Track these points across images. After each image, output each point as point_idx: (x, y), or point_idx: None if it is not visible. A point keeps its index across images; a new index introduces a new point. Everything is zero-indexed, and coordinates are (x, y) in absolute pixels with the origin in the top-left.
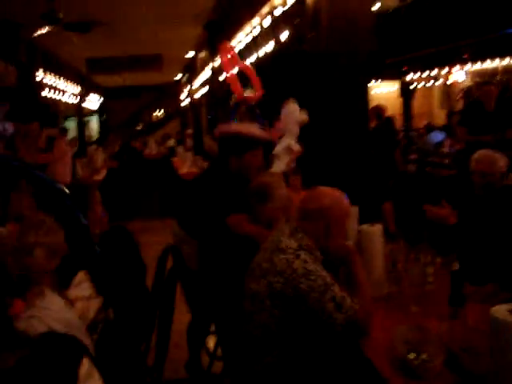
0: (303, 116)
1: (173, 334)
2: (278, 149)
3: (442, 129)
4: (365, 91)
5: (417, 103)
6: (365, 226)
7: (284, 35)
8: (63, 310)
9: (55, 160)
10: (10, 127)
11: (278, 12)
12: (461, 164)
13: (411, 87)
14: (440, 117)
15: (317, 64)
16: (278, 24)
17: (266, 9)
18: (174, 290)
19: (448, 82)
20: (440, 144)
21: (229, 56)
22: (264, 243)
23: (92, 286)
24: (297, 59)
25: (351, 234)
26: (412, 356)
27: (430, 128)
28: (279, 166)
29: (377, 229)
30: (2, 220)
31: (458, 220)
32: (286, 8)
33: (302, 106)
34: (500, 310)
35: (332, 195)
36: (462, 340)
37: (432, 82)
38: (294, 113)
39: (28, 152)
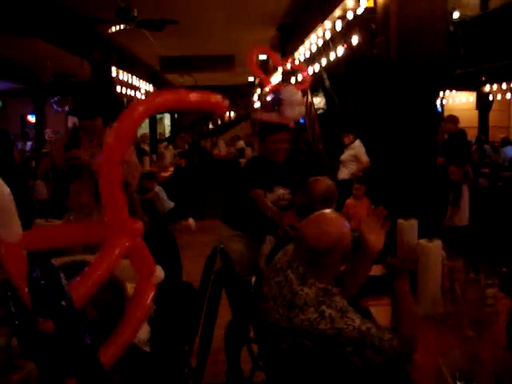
0: (299, 96)
1: (218, 338)
2: (345, 156)
3: None
4: (434, 99)
5: (494, 116)
6: (423, 241)
7: (354, 39)
8: None
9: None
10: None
11: (349, 16)
12: None
13: (489, 99)
14: None
15: (385, 70)
16: (349, 28)
17: (338, 12)
18: (219, 292)
19: None
20: None
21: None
22: (267, 287)
23: None
24: (367, 64)
25: (409, 249)
26: None
27: (506, 142)
28: (344, 172)
29: (435, 245)
30: (62, 212)
31: None
32: (358, 12)
33: (372, 113)
34: None
35: (335, 223)
36: None
37: (511, 94)
38: (291, 96)
39: (89, 147)
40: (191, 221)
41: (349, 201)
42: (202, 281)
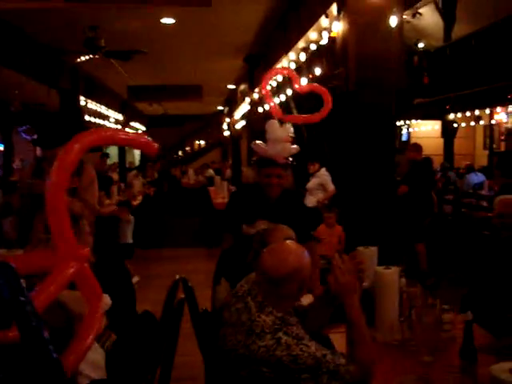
0: (286, 130)
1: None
2: (312, 184)
3: (483, 170)
4: (392, 129)
5: (459, 143)
6: (380, 268)
7: (317, 70)
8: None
9: (83, 186)
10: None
11: (313, 47)
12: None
13: (453, 127)
14: (483, 157)
15: (344, 101)
16: (312, 60)
17: (301, 44)
18: (178, 322)
19: (492, 122)
20: (479, 186)
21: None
22: (228, 312)
23: None
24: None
25: (369, 275)
26: None
27: (470, 169)
28: (311, 200)
29: (392, 271)
30: (24, 243)
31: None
32: (322, 43)
33: (333, 144)
34: (501, 369)
35: (294, 252)
36: None
37: (475, 122)
38: (275, 129)
39: None
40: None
41: (321, 227)
42: (163, 311)
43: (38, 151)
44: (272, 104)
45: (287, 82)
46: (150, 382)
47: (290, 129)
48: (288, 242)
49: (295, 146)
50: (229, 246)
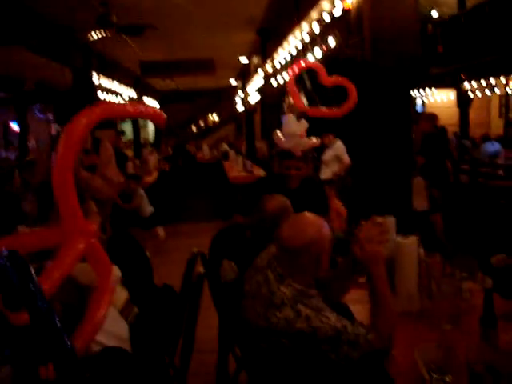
0: (302, 126)
1: (206, 339)
2: (327, 156)
3: (498, 140)
4: (408, 98)
5: (474, 113)
6: (399, 238)
7: (331, 41)
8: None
9: (103, 163)
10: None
11: (326, 18)
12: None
13: (468, 96)
14: (499, 127)
15: (359, 70)
16: (327, 30)
17: (314, 15)
18: (199, 294)
19: (508, 91)
20: (495, 155)
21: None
22: (249, 285)
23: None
24: (344, 65)
25: (388, 246)
26: (434, 377)
27: (485, 138)
28: (326, 173)
29: (411, 241)
30: (44, 220)
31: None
32: (335, 14)
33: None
34: None
35: (313, 223)
36: (489, 362)
37: (490, 91)
38: (290, 124)
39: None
40: (159, 229)
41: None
42: (182, 284)
43: (54, 129)
44: (296, 97)
45: (300, 54)
46: (172, 354)
47: (305, 124)
48: (307, 213)
49: (314, 139)
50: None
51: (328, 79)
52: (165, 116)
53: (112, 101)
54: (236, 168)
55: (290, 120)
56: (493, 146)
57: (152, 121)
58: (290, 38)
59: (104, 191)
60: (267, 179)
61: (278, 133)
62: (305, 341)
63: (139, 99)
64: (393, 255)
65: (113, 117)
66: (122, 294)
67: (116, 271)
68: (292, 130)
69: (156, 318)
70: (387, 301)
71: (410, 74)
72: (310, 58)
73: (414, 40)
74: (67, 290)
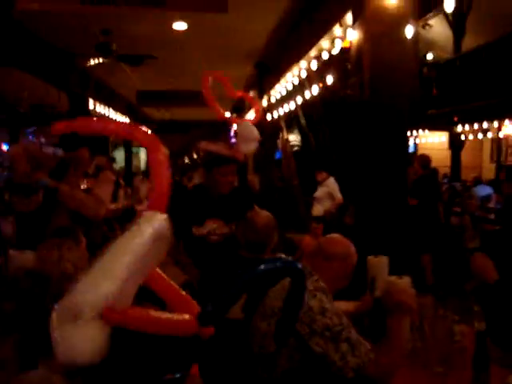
0: (255, 132)
1: None
2: (320, 193)
3: (490, 183)
4: (405, 140)
5: (466, 155)
6: (393, 278)
7: (329, 79)
8: None
9: (98, 184)
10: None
11: (325, 56)
12: (505, 219)
13: (461, 139)
14: (490, 170)
15: (358, 110)
16: (324, 68)
17: (313, 52)
18: None
19: (501, 135)
20: (487, 198)
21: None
22: (259, 320)
23: None
24: (341, 104)
25: (381, 286)
26: None
27: (477, 181)
28: (319, 209)
29: (405, 281)
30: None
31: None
32: (333, 53)
33: (342, 153)
34: None
35: (346, 240)
36: None
37: (483, 134)
38: (245, 130)
39: (75, 176)
40: None
41: (307, 238)
42: None
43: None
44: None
45: (296, 90)
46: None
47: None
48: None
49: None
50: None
51: (234, 92)
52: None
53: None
54: None
55: (248, 125)
56: (484, 190)
57: (138, 141)
58: (287, 74)
59: (88, 206)
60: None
61: (203, 142)
62: (312, 319)
63: None
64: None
65: (95, 132)
66: None
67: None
68: (252, 136)
69: None
70: (400, 342)
71: (408, 115)
72: (307, 94)
73: (412, 81)
74: None
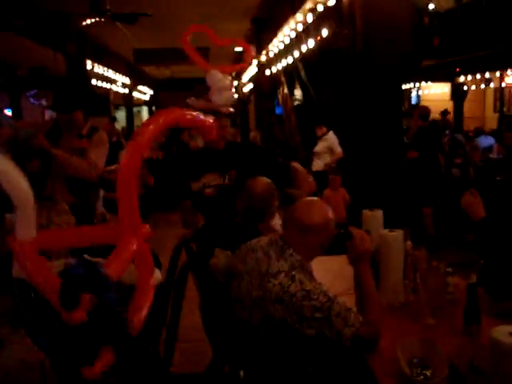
0: (227, 78)
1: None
2: (319, 148)
3: (492, 133)
4: (398, 91)
5: (468, 106)
6: (385, 231)
7: (325, 32)
8: None
9: (92, 147)
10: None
11: (320, 8)
12: (506, 170)
13: (463, 89)
14: (493, 121)
15: (351, 62)
16: (320, 20)
17: (308, 5)
18: (183, 284)
19: (503, 85)
20: (488, 149)
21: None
22: (243, 264)
23: None
24: (337, 57)
25: (374, 238)
26: (415, 372)
27: (479, 132)
28: (319, 164)
29: (397, 234)
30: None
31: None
32: (329, 4)
33: (342, 106)
34: (501, 332)
35: (327, 209)
36: (470, 358)
37: (485, 84)
38: (213, 79)
39: (68, 138)
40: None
41: (326, 191)
42: (167, 272)
43: (48, 115)
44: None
45: (294, 44)
46: (156, 343)
47: (229, 76)
48: (319, 199)
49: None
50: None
51: (218, 40)
52: (215, 134)
53: (106, 88)
54: None
55: (216, 74)
56: (486, 140)
57: (203, 133)
58: (284, 28)
59: (83, 171)
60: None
61: (192, 98)
62: (298, 308)
63: (134, 87)
64: (378, 248)
65: (175, 125)
66: None
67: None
68: (223, 84)
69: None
70: (374, 293)
71: (402, 67)
72: (304, 48)
73: (406, 33)
74: None
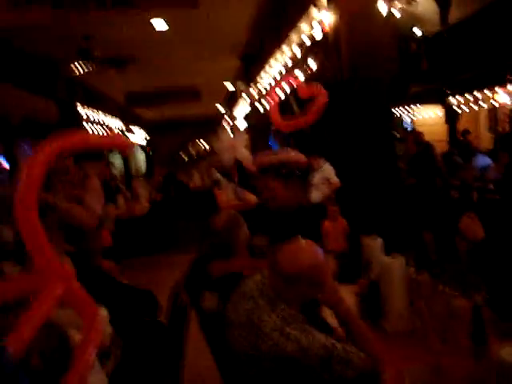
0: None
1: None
2: (317, 179)
3: (489, 153)
4: (388, 117)
5: (463, 127)
6: (386, 258)
7: (312, 64)
8: None
9: (87, 193)
10: None
11: (307, 41)
12: (503, 189)
13: (456, 111)
14: (488, 141)
15: (338, 92)
16: (307, 53)
17: (295, 38)
18: (182, 327)
19: (496, 104)
20: (485, 169)
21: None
22: (235, 313)
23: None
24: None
25: (375, 267)
26: None
27: (475, 151)
28: (317, 195)
29: (398, 261)
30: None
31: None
32: (316, 38)
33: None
34: (508, 352)
35: (308, 250)
36: (479, 382)
37: (476, 104)
38: (218, 144)
39: (63, 188)
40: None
41: (326, 223)
42: (167, 316)
43: None
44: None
45: (283, 78)
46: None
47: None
48: (302, 240)
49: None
50: None
51: (305, 91)
52: (131, 144)
53: (94, 132)
54: (227, 196)
55: (217, 137)
56: (483, 160)
57: (119, 150)
58: (273, 62)
59: (84, 220)
60: None
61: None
62: (296, 365)
63: (127, 129)
64: (380, 276)
65: (75, 148)
66: (107, 329)
67: (102, 311)
68: (222, 145)
69: (143, 352)
70: (361, 326)
71: (389, 93)
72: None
73: (390, 58)
74: (48, 340)
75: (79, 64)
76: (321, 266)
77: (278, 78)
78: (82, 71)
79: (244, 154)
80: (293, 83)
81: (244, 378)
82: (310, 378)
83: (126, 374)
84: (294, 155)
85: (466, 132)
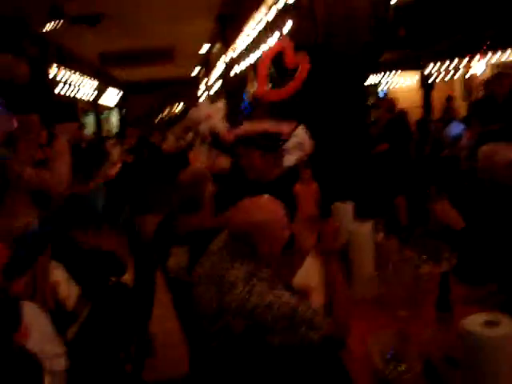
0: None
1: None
2: (290, 144)
3: (462, 121)
4: (363, 82)
5: (438, 95)
6: (355, 224)
7: (287, 27)
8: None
9: (54, 156)
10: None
11: (280, 4)
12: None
13: (431, 79)
14: (462, 109)
15: (313, 55)
16: (282, 15)
17: (270, 1)
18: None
19: (467, 75)
20: (459, 136)
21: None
22: (200, 269)
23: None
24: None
25: (344, 232)
26: (389, 367)
27: (449, 120)
28: (291, 159)
29: (366, 226)
30: None
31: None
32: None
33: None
34: (473, 322)
35: (262, 207)
36: (444, 349)
37: (452, 73)
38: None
39: (27, 147)
40: None
41: (297, 186)
42: (135, 277)
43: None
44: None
45: (260, 40)
46: (128, 350)
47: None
48: (262, 197)
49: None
50: None
51: (292, 60)
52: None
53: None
54: (200, 158)
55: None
56: (459, 127)
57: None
58: (249, 23)
59: (52, 186)
60: None
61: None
62: (260, 319)
63: (103, 89)
64: (348, 241)
65: None
66: (73, 291)
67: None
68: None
69: (110, 313)
70: (343, 288)
71: (364, 58)
72: (270, 42)
73: (366, 24)
74: None
75: (50, 22)
76: (275, 224)
77: (254, 40)
78: (55, 29)
79: (220, 125)
80: (281, 50)
81: (207, 336)
82: (273, 336)
83: (92, 333)
84: (275, 126)
85: (449, 98)
